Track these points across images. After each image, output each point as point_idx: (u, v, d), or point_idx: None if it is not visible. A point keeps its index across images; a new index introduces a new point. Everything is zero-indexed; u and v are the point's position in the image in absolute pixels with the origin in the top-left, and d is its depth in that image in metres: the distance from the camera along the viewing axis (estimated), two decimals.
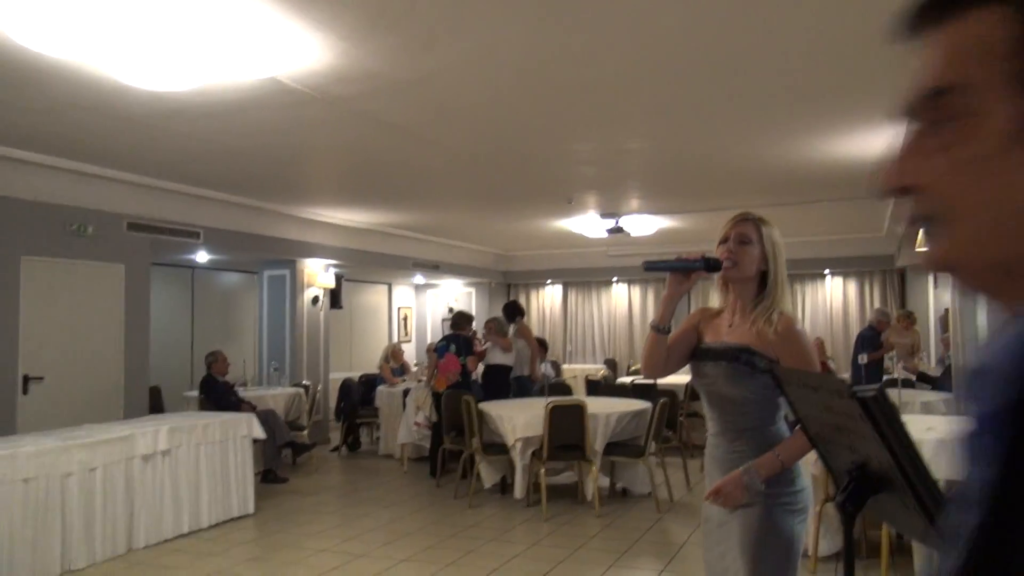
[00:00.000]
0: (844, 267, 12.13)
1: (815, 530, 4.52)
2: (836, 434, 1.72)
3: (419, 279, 13.85)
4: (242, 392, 8.04)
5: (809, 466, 2.99)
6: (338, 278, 10.51)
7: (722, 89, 4.78)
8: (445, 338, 7.92)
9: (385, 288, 13.93)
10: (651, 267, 2.32)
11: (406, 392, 8.63)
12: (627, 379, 9.77)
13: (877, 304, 12.01)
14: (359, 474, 8.36)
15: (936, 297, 11.00)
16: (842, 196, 8.47)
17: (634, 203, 9.19)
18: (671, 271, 2.30)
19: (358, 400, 9.45)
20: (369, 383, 9.75)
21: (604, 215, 9.69)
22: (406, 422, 8.33)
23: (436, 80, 4.54)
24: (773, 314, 2.23)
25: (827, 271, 12.29)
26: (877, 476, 1.62)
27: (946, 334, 8.37)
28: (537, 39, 3.94)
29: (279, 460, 7.70)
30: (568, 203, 8.83)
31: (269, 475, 7.46)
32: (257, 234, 8.80)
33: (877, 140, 5.96)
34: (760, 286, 2.30)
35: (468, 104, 5.08)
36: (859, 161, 6.63)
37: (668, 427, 7.34)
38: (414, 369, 10.24)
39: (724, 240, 2.32)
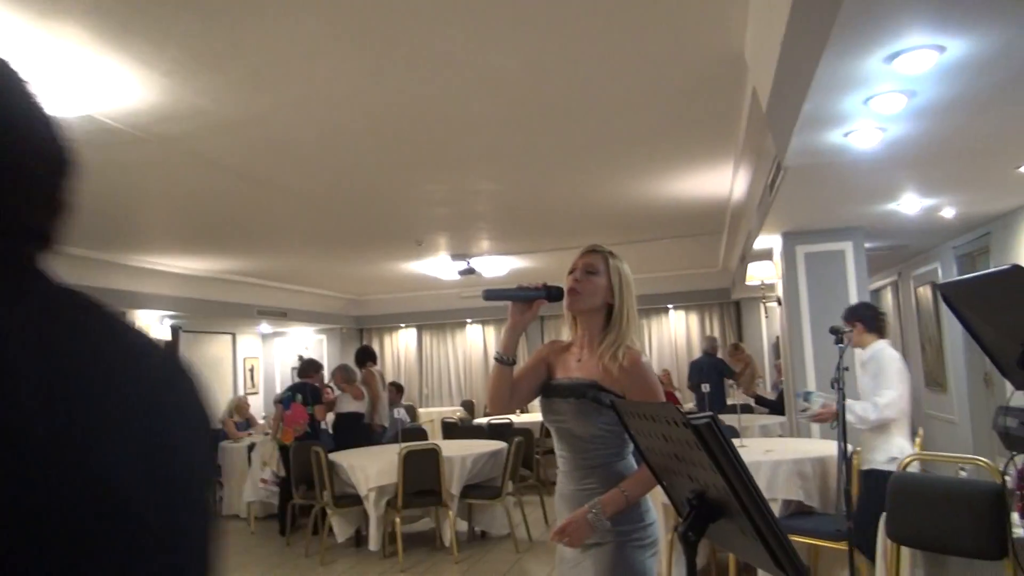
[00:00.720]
0: (686, 301, 12.71)
1: (667, 560, 4.59)
2: (676, 463, 1.72)
3: (265, 328, 13.26)
4: None
5: (660, 497, 3.04)
6: (174, 330, 9.87)
7: (564, 133, 4.90)
8: (290, 388, 7.57)
9: (229, 338, 13.22)
10: (491, 296, 2.28)
11: (251, 447, 8.16)
12: (484, 420, 9.72)
13: (717, 334, 12.68)
14: None
15: (768, 326, 11.75)
16: (682, 233, 8.90)
17: (484, 244, 9.25)
18: (511, 300, 2.27)
19: None
20: (211, 439, 9.17)
21: (455, 257, 9.67)
22: (252, 479, 7.86)
23: (270, 120, 4.37)
24: (619, 349, 2.23)
25: (670, 305, 12.84)
26: (715, 504, 1.63)
27: (779, 360, 8.92)
28: (375, 81, 3.87)
29: None
30: (418, 245, 8.75)
31: None
32: (80, 286, 8.10)
33: (709, 179, 6.31)
34: (608, 319, 2.30)
35: (306, 145, 4.92)
36: (695, 199, 6.99)
37: (525, 466, 7.33)
38: (261, 422, 9.72)
39: (572, 270, 2.32)
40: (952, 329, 7.52)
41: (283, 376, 13.69)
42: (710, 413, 1.48)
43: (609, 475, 2.21)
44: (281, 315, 11.75)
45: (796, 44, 2.69)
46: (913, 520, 2.78)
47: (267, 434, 8.09)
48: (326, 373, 8.25)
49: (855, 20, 2.24)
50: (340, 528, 6.42)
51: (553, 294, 2.26)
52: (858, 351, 4.31)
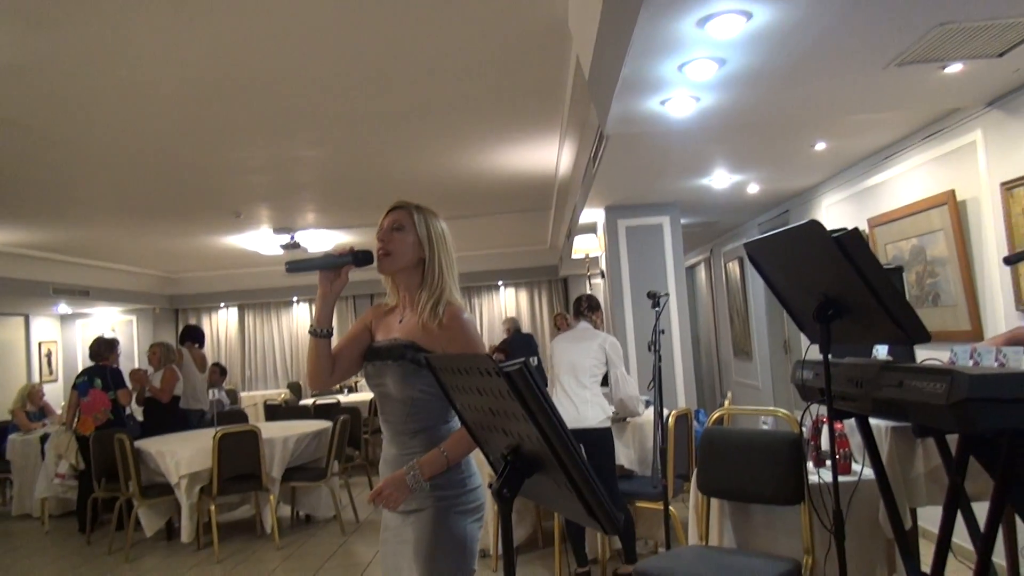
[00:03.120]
0: (516, 278, 12.89)
1: (495, 527, 4.59)
2: (491, 419, 1.65)
3: (64, 308, 12.08)
4: None
5: (488, 468, 2.99)
6: None
7: (387, 98, 4.71)
8: (85, 371, 6.89)
9: (21, 320, 11.93)
10: (294, 268, 2.15)
11: (44, 438, 7.39)
12: (310, 401, 9.38)
13: (546, 310, 12.99)
14: None
15: None
16: (511, 209, 8.96)
17: (310, 217, 8.85)
18: (318, 269, 2.15)
19: None
20: None
21: (278, 230, 9.21)
22: (45, 473, 7.12)
23: (56, 68, 3.88)
24: (439, 306, 2.15)
25: (500, 282, 12.98)
26: (530, 457, 1.58)
27: None
28: (179, 26, 3.52)
29: None
30: (236, 217, 8.25)
31: None
32: None
33: (537, 153, 6.35)
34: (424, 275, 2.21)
35: (101, 99, 4.43)
36: (523, 174, 7.03)
37: (352, 445, 7.13)
38: (59, 412, 8.83)
39: (380, 231, 2.21)
40: (756, 301, 8.08)
41: (86, 362, 12.55)
42: (522, 359, 1.41)
43: (433, 439, 2.12)
44: (82, 294, 10.73)
45: (614, 7, 2.69)
46: (720, 472, 2.91)
47: (63, 424, 7.34)
48: (137, 359, 7.58)
49: None
50: (148, 521, 5.93)
51: (360, 258, 2.17)
52: None
